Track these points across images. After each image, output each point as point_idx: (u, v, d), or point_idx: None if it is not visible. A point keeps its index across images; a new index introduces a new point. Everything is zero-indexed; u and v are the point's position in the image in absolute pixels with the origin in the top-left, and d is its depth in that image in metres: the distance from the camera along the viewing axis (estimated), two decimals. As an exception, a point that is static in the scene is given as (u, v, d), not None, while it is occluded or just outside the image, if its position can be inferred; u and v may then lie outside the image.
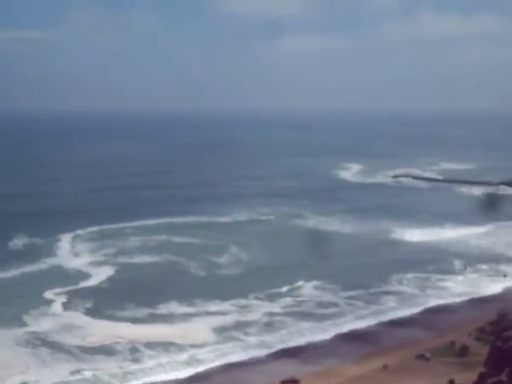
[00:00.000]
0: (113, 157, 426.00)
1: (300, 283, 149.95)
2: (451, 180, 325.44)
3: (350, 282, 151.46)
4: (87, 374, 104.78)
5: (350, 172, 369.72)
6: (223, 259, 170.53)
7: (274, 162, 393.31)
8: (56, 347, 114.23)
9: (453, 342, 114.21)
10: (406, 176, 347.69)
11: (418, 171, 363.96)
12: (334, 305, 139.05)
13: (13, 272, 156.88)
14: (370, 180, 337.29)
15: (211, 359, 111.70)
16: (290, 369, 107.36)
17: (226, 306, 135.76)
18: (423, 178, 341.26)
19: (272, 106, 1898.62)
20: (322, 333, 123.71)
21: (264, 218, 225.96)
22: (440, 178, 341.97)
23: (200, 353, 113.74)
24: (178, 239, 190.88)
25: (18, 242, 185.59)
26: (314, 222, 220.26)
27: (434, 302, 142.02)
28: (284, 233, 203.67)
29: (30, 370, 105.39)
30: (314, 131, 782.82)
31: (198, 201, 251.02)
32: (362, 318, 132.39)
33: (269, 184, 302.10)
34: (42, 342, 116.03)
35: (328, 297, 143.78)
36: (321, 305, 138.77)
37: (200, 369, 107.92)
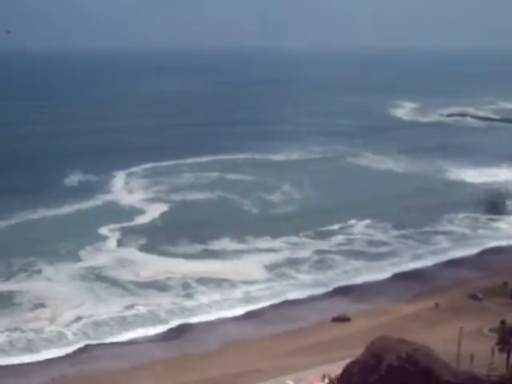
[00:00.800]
0: (173, 93, 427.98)
1: (352, 222, 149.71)
2: (509, 120, 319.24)
3: (401, 221, 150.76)
4: (142, 309, 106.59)
5: (404, 110, 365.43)
6: (275, 197, 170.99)
7: (330, 100, 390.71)
8: (111, 282, 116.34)
9: (505, 283, 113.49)
10: (461, 115, 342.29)
11: (474, 110, 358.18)
12: (386, 244, 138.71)
13: (68, 208, 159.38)
14: (424, 119, 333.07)
15: (264, 297, 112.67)
16: (341, 306, 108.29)
17: (276, 243, 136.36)
18: (480, 117, 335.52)
19: (336, 42, 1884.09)
20: (374, 272, 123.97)
21: (317, 156, 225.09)
22: (497, 117, 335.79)
23: (253, 290, 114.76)
24: (230, 176, 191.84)
25: (74, 179, 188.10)
26: (367, 160, 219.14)
27: (486, 243, 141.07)
28: (337, 171, 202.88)
29: (86, 305, 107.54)
30: (371, 67, 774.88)
31: (252, 138, 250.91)
32: (415, 257, 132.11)
33: (323, 122, 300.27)
34: (97, 277, 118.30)
35: (379, 235, 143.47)
36: (372, 243, 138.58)
37: (254, 306, 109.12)
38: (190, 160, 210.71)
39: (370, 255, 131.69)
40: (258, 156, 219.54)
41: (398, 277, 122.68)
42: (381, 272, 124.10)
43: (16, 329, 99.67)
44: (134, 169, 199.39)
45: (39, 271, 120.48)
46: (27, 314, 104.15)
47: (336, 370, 70.52)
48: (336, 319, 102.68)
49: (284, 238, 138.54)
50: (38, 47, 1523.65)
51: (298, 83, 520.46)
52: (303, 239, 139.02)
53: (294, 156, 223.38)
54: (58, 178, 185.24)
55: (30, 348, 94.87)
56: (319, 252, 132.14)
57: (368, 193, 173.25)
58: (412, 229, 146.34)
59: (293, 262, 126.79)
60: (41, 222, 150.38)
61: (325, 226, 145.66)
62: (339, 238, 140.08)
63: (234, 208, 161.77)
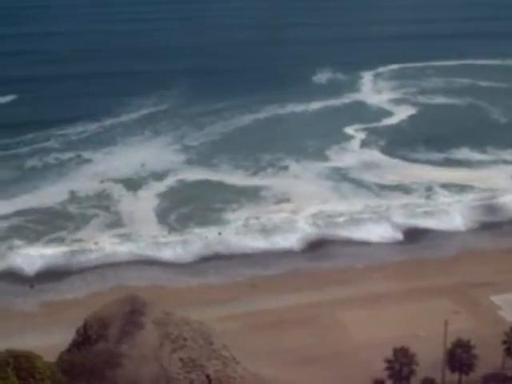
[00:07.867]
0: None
1: None
2: None
3: None
4: (381, 210, 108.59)
5: None
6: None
7: None
8: (356, 183, 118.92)
9: None
10: None
11: None
12: None
13: (316, 105, 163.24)
14: None
15: (509, 207, 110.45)
16: None
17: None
18: None
19: None
20: None
21: None
22: None
23: (497, 199, 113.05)
24: (481, 83, 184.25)
25: (322, 77, 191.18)
26: None
27: None
28: None
29: (329, 202, 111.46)
30: None
31: (503, 43, 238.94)
32: None
33: None
34: (343, 178, 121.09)
35: None
36: None
37: (495, 216, 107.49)
38: (438, 63, 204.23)
39: None
40: (510, 62, 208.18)
41: None
42: None
43: (256, 218, 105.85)
44: (381, 69, 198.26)
45: (286, 167, 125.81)
46: (271, 207, 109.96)
47: None
48: None
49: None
50: None
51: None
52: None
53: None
54: (307, 75, 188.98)
55: (265, 237, 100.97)
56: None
57: None
58: None
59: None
60: (289, 118, 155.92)
61: None
62: None
63: (481, 116, 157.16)
